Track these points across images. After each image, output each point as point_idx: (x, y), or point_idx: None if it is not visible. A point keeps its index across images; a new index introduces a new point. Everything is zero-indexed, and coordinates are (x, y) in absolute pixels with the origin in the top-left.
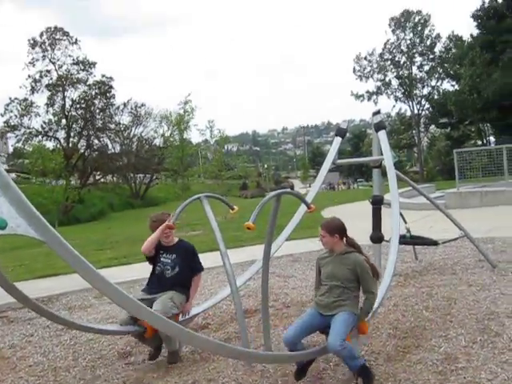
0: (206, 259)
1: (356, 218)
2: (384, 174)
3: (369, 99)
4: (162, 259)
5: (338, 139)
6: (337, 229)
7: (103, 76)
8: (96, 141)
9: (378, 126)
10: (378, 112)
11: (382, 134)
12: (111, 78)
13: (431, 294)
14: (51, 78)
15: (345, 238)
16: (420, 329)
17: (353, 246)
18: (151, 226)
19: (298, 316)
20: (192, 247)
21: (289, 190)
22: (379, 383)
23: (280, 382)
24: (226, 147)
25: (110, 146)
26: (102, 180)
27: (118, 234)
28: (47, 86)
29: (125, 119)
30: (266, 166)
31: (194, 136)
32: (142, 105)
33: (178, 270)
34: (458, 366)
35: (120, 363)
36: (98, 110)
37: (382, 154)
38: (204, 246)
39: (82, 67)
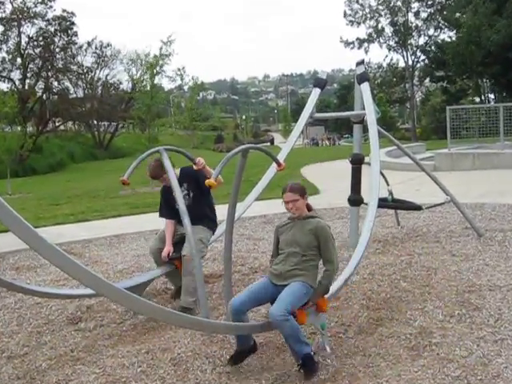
0: None
1: (337, 178)
2: (366, 130)
3: (359, 47)
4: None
5: (317, 91)
6: (303, 190)
7: (64, 11)
8: (56, 83)
9: (361, 78)
10: (362, 62)
11: (365, 86)
12: (73, 13)
13: (411, 262)
14: (4, 11)
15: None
16: (396, 300)
17: (310, 210)
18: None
19: None
20: (192, 170)
21: (256, 145)
22: (348, 357)
23: None
24: (200, 95)
25: (71, 90)
26: (62, 127)
27: (78, 187)
28: (0, 20)
29: (88, 60)
30: (244, 116)
31: (164, 84)
32: (108, 45)
33: (192, 195)
34: (432, 342)
35: (69, 329)
36: (58, 49)
37: (364, 109)
38: None
39: (40, 0)
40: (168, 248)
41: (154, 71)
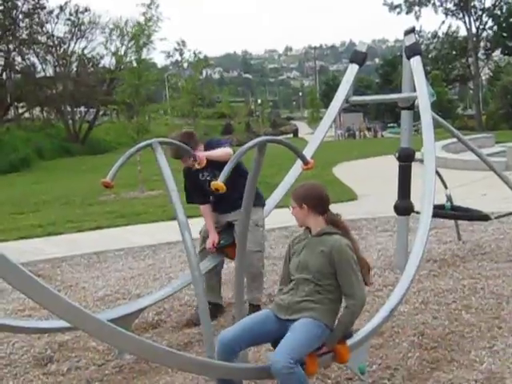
0: (167, 231)
1: (379, 179)
2: (418, 117)
3: (408, 12)
4: (201, 179)
5: (354, 67)
6: (306, 197)
7: None
8: (19, 59)
9: (411, 50)
10: (412, 30)
11: (416, 62)
12: None
13: (476, 288)
14: None
15: (325, 214)
16: (456, 336)
17: (335, 224)
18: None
19: None
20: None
21: (276, 137)
22: None
23: None
24: (204, 73)
25: (38, 67)
26: (27, 115)
27: (47, 191)
28: None
29: (60, 29)
30: (260, 101)
31: (159, 60)
32: (86, 10)
33: (210, 168)
34: None
35: (36, 373)
36: (21, 15)
37: (414, 90)
38: (164, 213)
39: None
40: (213, 236)
41: (140, 42)
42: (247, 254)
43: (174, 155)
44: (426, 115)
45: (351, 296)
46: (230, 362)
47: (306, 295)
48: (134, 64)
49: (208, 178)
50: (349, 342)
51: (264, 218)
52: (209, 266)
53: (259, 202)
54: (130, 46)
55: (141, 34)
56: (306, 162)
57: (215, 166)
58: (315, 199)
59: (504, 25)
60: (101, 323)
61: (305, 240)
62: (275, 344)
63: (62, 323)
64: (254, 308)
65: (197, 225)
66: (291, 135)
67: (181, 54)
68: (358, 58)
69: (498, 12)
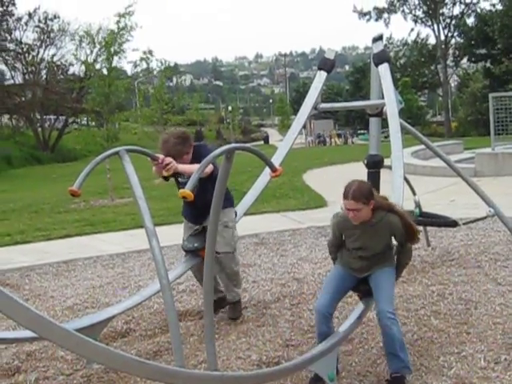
0: (136, 239)
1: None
2: (386, 124)
3: (377, 19)
4: (180, 180)
5: (323, 74)
6: (371, 193)
7: None
8: None
9: (379, 58)
10: (380, 37)
11: (384, 69)
12: None
13: (444, 294)
14: None
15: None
16: (425, 343)
17: (380, 207)
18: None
19: (256, 321)
20: (205, 150)
21: (244, 145)
22: None
23: None
24: (174, 80)
25: (7, 74)
26: None
27: (16, 199)
28: None
29: (29, 36)
30: (230, 108)
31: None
32: (55, 17)
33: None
34: None
35: (3, 383)
36: None
37: (383, 97)
38: (133, 220)
39: None
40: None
41: (112, 50)
42: (220, 257)
43: (173, 153)
44: (394, 122)
45: (404, 246)
46: (329, 328)
47: (375, 259)
48: (105, 72)
49: (184, 181)
50: (318, 348)
51: (234, 219)
52: (181, 272)
53: (229, 203)
54: (100, 53)
55: (113, 42)
56: (273, 170)
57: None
58: (371, 195)
59: (471, 33)
60: (67, 333)
61: (357, 229)
62: (354, 289)
63: (29, 333)
64: (235, 305)
65: (165, 233)
66: (262, 142)
67: (147, 64)
68: (327, 65)
69: (467, 20)
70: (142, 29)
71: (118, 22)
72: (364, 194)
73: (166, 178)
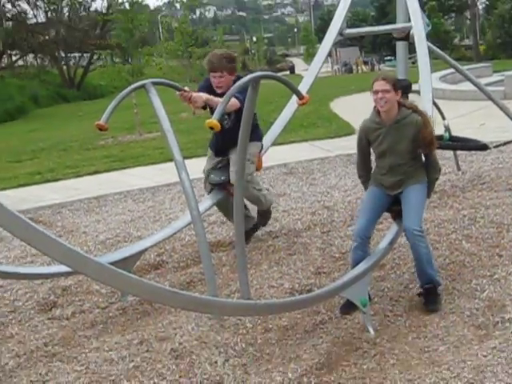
0: (165, 173)
1: None
2: (413, 49)
3: None
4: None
5: (348, 0)
6: (399, 84)
7: None
8: (9, 5)
9: None
10: None
11: None
12: None
13: (475, 218)
14: None
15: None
16: (457, 266)
17: (406, 106)
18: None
19: (288, 250)
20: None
21: (270, 73)
22: (397, 341)
23: (260, 339)
24: (197, 13)
25: (30, 14)
26: (21, 62)
27: (44, 138)
28: None
29: None
30: (255, 38)
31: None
32: None
33: (234, 116)
34: (506, 318)
35: (40, 318)
36: None
37: (409, 21)
38: (162, 155)
39: None
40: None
41: None
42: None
43: (215, 66)
44: (422, 45)
45: (430, 156)
46: (367, 249)
47: (404, 173)
48: (127, 6)
49: (228, 125)
50: (350, 274)
51: (257, 152)
52: (210, 204)
53: (256, 136)
54: None
55: None
56: (300, 97)
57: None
58: (399, 87)
59: None
60: (101, 266)
61: (382, 128)
62: (388, 210)
63: (64, 268)
64: (265, 213)
65: (194, 165)
66: (288, 72)
67: None
68: None
69: None
70: None
71: None
72: (394, 79)
73: (204, 108)
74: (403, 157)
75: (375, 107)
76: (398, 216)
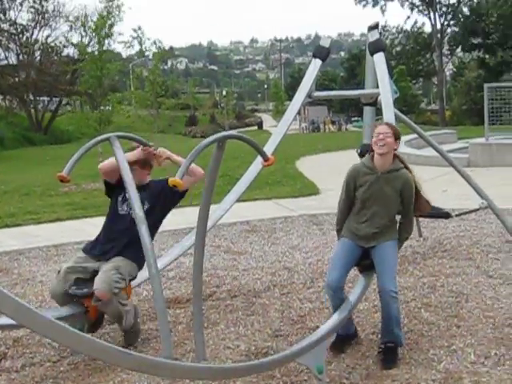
0: None
1: (342, 174)
2: (380, 113)
3: (374, 5)
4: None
5: (318, 62)
6: (399, 135)
7: None
8: None
9: (375, 47)
10: (376, 26)
11: (379, 58)
12: None
13: (435, 286)
14: None
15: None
16: (415, 335)
17: (401, 161)
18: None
19: (246, 310)
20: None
21: (236, 133)
22: None
23: None
24: (168, 63)
25: (1, 55)
26: None
27: (7, 181)
28: None
29: (24, 17)
30: (225, 92)
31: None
32: None
33: (147, 207)
34: None
35: None
36: None
37: (377, 86)
38: None
39: None
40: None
41: (102, 33)
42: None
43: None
44: (389, 112)
45: (407, 216)
46: (341, 299)
47: (382, 226)
48: (96, 55)
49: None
50: (307, 340)
51: (133, 275)
52: (173, 257)
53: (135, 254)
54: (92, 37)
55: (102, 26)
56: (265, 159)
57: (152, 195)
58: (399, 136)
59: (467, 22)
60: (50, 322)
61: (373, 174)
62: (357, 264)
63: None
64: (130, 332)
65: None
66: (256, 127)
67: (140, 43)
68: (322, 53)
69: (463, 9)
70: (133, 10)
71: (106, 6)
72: (395, 128)
73: (108, 186)
74: (386, 208)
75: (369, 153)
76: (364, 270)
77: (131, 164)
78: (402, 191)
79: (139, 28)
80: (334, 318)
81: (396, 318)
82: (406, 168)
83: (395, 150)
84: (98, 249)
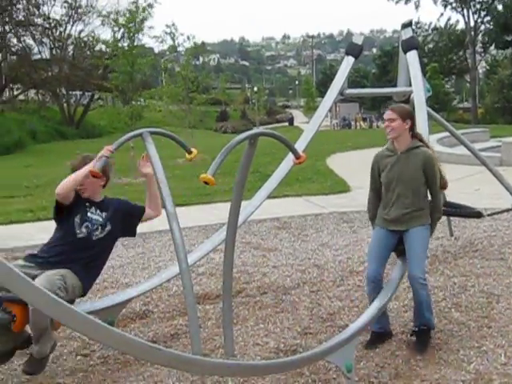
0: (158, 218)
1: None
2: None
3: (407, 1)
4: (88, 215)
5: (350, 60)
6: (410, 114)
7: None
8: (14, 40)
9: (408, 45)
10: (410, 24)
11: (413, 56)
12: None
13: (466, 286)
14: None
15: (411, 131)
16: (445, 335)
17: (420, 140)
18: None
19: (275, 307)
20: (123, 201)
21: (269, 131)
22: None
23: None
24: (200, 59)
25: (34, 49)
26: (22, 97)
27: (40, 174)
28: None
29: (57, 12)
30: (256, 88)
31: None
32: None
33: (109, 229)
34: None
35: (20, 361)
36: None
37: (410, 84)
38: None
39: None
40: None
41: (132, 29)
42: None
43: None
44: (422, 111)
45: (436, 195)
46: (380, 290)
47: (409, 206)
48: (127, 50)
49: (98, 218)
50: (337, 338)
51: (76, 292)
52: (203, 253)
53: (92, 276)
54: (123, 32)
55: (133, 21)
56: (297, 157)
57: (112, 216)
58: (413, 117)
59: (501, 20)
60: (84, 318)
61: (392, 156)
62: (395, 250)
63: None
64: (39, 360)
65: (187, 213)
66: (287, 123)
67: (173, 39)
68: (355, 50)
69: (497, 6)
70: (163, 6)
71: (134, 2)
72: (402, 109)
73: (61, 208)
74: (410, 188)
75: None
76: (401, 254)
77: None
78: (424, 169)
79: (173, 24)
80: (365, 315)
81: (426, 302)
82: (427, 146)
83: (411, 129)
84: (45, 260)
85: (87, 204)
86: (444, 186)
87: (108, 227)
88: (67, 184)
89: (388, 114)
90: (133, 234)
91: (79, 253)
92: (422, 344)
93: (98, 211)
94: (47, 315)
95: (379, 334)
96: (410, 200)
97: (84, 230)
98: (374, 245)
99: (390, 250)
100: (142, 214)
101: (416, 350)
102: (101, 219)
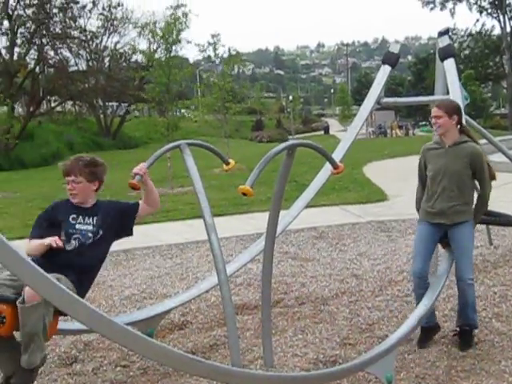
0: (195, 229)
1: (410, 180)
2: None
3: (442, 8)
4: (77, 227)
5: (387, 69)
6: (456, 110)
7: None
8: (52, 53)
9: (445, 53)
10: (447, 31)
11: (450, 64)
12: None
13: (506, 296)
14: None
15: (459, 126)
16: (486, 346)
17: (468, 135)
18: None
19: (314, 318)
20: (114, 201)
21: (306, 141)
22: None
23: None
24: (235, 69)
25: (71, 61)
26: (59, 109)
27: None
28: None
29: (93, 24)
30: (291, 97)
31: (191, 54)
32: (119, 5)
33: (101, 234)
34: None
35: (60, 372)
36: (55, 10)
37: (447, 93)
38: (193, 210)
39: None
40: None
41: (170, 40)
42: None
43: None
44: None
45: (484, 188)
46: (426, 287)
47: (454, 199)
48: (163, 62)
49: (89, 227)
50: (377, 349)
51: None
52: (242, 263)
53: (80, 287)
54: (160, 43)
55: (169, 33)
56: (335, 167)
57: (103, 219)
58: (460, 112)
59: None
60: (125, 330)
61: (440, 149)
62: (441, 242)
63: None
64: (28, 372)
65: (224, 223)
66: (322, 132)
67: (215, 50)
68: (391, 59)
69: None
70: (200, 17)
71: (173, 14)
72: (448, 105)
73: None
74: (455, 182)
75: None
76: (447, 246)
77: (75, 175)
78: (471, 163)
79: (218, 34)
80: (405, 326)
81: (472, 303)
82: (475, 141)
83: (458, 124)
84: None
85: (74, 216)
86: (493, 176)
87: (100, 233)
88: (32, 252)
89: (434, 111)
90: (129, 233)
91: (72, 261)
92: (466, 343)
93: (87, 219)
94: (40, 317)
95: (428, 329)
96: (455, 193)
97: (73, 242)
98: (418, 240)
99: (435, 245)
100: (136, 211)
101: (460, 350)
102: (91, 227)
